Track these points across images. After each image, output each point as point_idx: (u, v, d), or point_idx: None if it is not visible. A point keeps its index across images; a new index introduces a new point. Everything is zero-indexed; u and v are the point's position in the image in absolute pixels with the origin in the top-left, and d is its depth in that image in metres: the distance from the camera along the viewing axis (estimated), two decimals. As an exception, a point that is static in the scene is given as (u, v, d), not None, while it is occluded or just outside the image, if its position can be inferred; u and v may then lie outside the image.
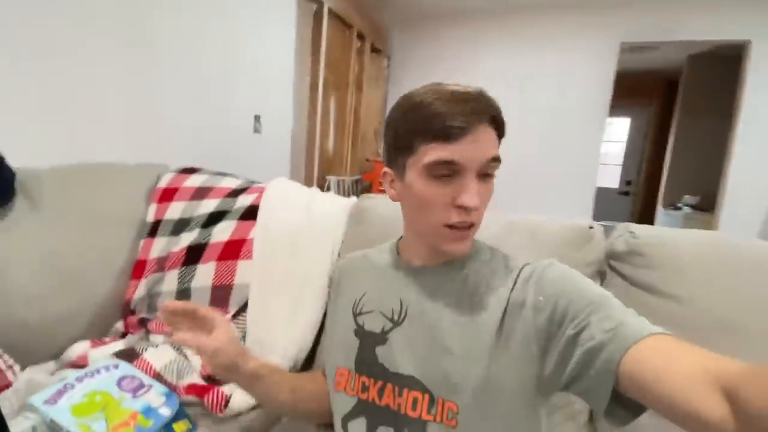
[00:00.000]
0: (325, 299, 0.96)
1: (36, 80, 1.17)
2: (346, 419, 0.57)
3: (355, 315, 0.61)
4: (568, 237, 0.84)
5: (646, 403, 0.40)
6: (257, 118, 2.08)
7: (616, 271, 0.81)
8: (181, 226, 1.11)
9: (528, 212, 0.94)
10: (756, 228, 2.88)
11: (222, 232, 1.04)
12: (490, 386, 0.49)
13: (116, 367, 0.79)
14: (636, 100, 5.21)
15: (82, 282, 1.02)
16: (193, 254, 1.03)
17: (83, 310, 1.01)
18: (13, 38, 1.11)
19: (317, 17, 2.54)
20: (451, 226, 0.51)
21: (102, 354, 0.90)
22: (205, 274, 0.99)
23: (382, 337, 0.56)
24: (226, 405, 0.80)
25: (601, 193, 3.62)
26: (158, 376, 0.83)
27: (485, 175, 0.52)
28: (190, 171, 1.25)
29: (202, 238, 1.04)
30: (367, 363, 0.57)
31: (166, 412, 0.74)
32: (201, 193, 1.16)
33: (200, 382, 0.85)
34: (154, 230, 1.13)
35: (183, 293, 0.99)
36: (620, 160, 5.81)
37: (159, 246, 1.10)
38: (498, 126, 0.52)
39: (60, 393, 0.69)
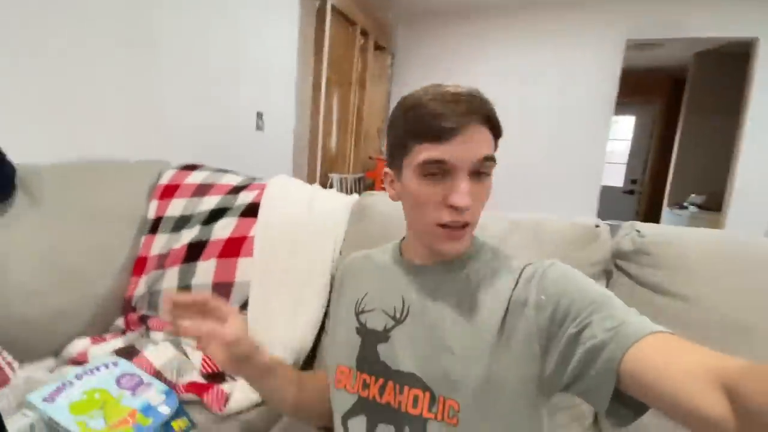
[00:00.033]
0: (326, 297, 0.95)
1: (37, 77, 1.17)
2: (346, 417, 0.57)
3: (358, 314, 0.61)
4: (573, 236, 0.82)
5: (647, 401, 0.40)
6: (259, 116, 2.08)
7: (623, 270, 0.80)
8: (182, 223, 1.10)
9: (531, 211, 0.92)
10: (763, 227, 2.84)
11: (223, 230, 1.03)
12: (491, 385, 0.49)
13: (116, 364, 0.78)
14: (641, 98, 5.17)
15: (82, 278, 1.02)
16: (194, 251, 1.02)
17: (84, 306, 1.01)
18: (13, 36, 1.10)
19: (320, 14, 2.53)
20: (444, 226, 0.52)
21: (102, 351, 0.90)
22: (205, 271, 0.99)
23: (384, 335, 0.56)
24: (225, 403, 0.80)
25: (606, 192, 3.60)
26: (158, 374, 0.82)
27: (479, 174, 0.52)
28: (192, 168, 1.24)
29: (202, 235, 1.04)
30: (369, 361, 0.57)
31: (165, 410, 0.73)
32: (202, 190, 1.15)
33: (200, 380, 0.85)
34: (155, 227, 1.12)
35: (183, 290, 0.98)
36: (625, 158, 5.76)
37: (160, 243, 1.10)
38: (493, 126, 0.52)
39: (58, 390, 0.68)
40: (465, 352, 0.51)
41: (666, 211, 4.16)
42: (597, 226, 0.83)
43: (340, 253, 1.01)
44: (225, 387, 0.83)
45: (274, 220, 1.03)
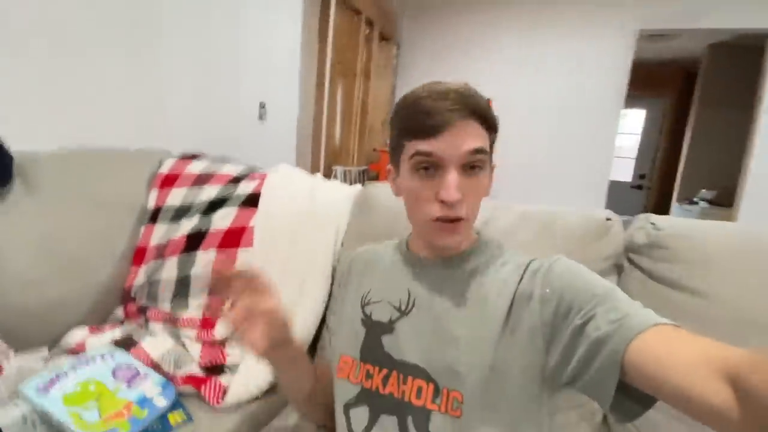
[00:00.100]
0: (327, 290, 0.93)
1: (37, 64, 1.15)
2: (348, 406, 0.57)
3: (363, 305, 0.61)
4: (583, 229, 0.79)
5: (651, 392, 0.40)
6: (262, 106, 2.05)
7: (635, 264, 0.77)
8: (181, 212, 1.08)
9: (539, 204, 0.89)
10: (776, 224, 2.79)
11: (222, 220, 1.01)
12: (495, 377, 0.49)
13: (112, 355, 0.77)
14: (652, 91, 5.07)
15: (81, 268, 1.01)
16: (193, 241, 1.00)
17: (82, 296, 1.00)
18: (13, 21, 1.08)
19: (324, 2, 2.48)
20: (437, 220, 0.52)
21: (100, 341, 0.88)
22: (205, 261, 0.97)
23: (389, 326, 0.57)
24: (223, 396, 0.78)
25: (614, 187, 3.54)
26: (155, 366, 0.81)
27: (472, 168, 0.52)
28: (192, 157, 1.22)
29: (202, 225, 1.02)
30: (373, 351, 0.57)
31: (161, 402, 0.72)
32: (202, 179, 1.13)
33: (198, 372, 0.83)
34: (154, 216, 1.11)
35: (182, 281, 0.96)
36: (634, 153, 5.68)
37: (159, 233, 1.08)
38: (484, 119, 0.52)
39: (52, 381, 0.67)
40: (470, 344, 0.51)
41: (675, 206, 4.10)
42: (609, 219, 0.80)
43: (342, 244, 0.98)
44: (223, 380, 0.81)
45: (275, 211, 1.00)
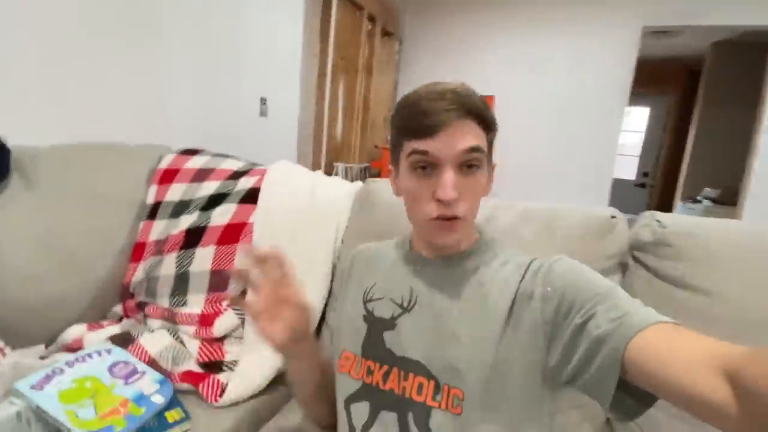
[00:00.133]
0: (327, 287, 0.92)
1: (37, 58, 1.14)
2: (349, 401, 0.58)
3: (365, 302, 0.61)
4: (587, 227, 0.78)
5: (652, 389, 0.40)
6: (263, 101, 2.03)
7: (640, 262, 0.75)
8: (180, 208, 1.07)
9: (541, 202, 0.88)
10: (780, 223, 2.76)
11: (221, 216, 1.00)
12: (497, 374, 0.50)
13: (109, 352, 0.76)
14: (655, 89, 5.04)
15: (79, 264, 1.00)
16: (192, 237, 0.99)
17: (81, 292, 0.99)
18: (13, 15, 1.07)
19: (326, -3, 2.47)
20: (435, 219, 0.53)
21: (98, 338, 0.87)
22: (203, 257, 0.96)
23: (391, 323, 0.57)
24: (221, 394, 0.77)
25: (617, 185, 3.52)
26: (153, 362, 0.80)
27: (469, 167, 0.52)
28: (192, 152, 1.21)
29: (201, 221, 1.01)
30: (374, 348, 0.57)
31: (158, 399, 0.71)
32: (202, 174, 1.12)
33: (196, 369, 0.82)
34: (153, 212, 1.10)
35: (181, 277, 0.95)
36: (637, 151, 5.65)
37: (158, 228, 1.07)
38: (481, 118, 0.52)
39: (48, 378, 0.66)
40: (471, 341, 0.51)
41: (679, 205, 4.08)
42: (613, 217, 0.79)
43: (342, 242, 0.97)
44: (221, 377, 0.80)
45: (275, 207, 0.99)
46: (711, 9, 2.89)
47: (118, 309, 1.04)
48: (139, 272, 1.03)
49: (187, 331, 0.89)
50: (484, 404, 0.49)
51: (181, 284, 0.95)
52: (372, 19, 3.10)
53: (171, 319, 0.92)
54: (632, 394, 0.43)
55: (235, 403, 0.79)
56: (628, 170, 5.61)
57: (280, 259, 0.53)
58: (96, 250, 1.03)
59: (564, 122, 3.30)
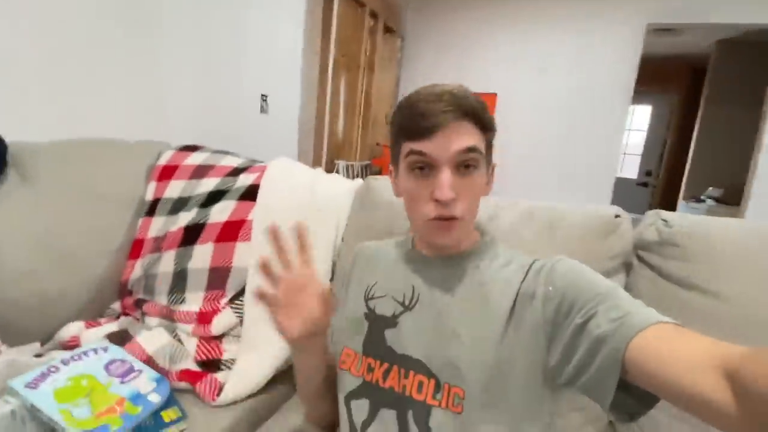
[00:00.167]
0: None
1: (36, 53, 1.13)
2: (349, 397, 0.58)
3: (367, 300, 0.61)
4: (591, 227, 0.77)
5: (652, 389, 0.40)
6: (264, 98, 2.02)
7: (645, 261, 0.74)
8: (179, 205, 1.06)
9: (545, 201, 0.86)
10: (784, 223, 2.74)
11: (220, 213, 0.99)
12: (497, 373, 0.50)
13: (105, 350, 0.75)
14: (659, 87, 5.01)
15: (77, 260, 0.99)
16: (191, 234, 0.98)
17: (78, 289, 0.98)
18: (12, 10, 1.06)
19: (328, -7, 2.45)
20: (434, 219, 0.53)
21: (95, 335, 0.87)
22: (202, 255, 0.95)
23: (392, 321, 0.57)
24: (218, 393, 0.76)
25: (619, 184, 3.50)
26: (150, 360, 0.79)
27: (466, 167, 0.53)
28: (191, 149, 1.20)
29: (199, 218, 1.00)
30: (375, 345, 0.57)
31: (155, 398, 0.70)
32: (201, 171, 1.11)
33: (194, 368, 0.81)
34: (152, 209, 1.09)
35: (179, 275, 0.94)
36: (640, 149, 5.62)
37: (157, 225, 1.06)
38: (477, 119, 0.53)
39: (43, 376, 0.65)
40: (473, 340, 0.52)
41: (681, 204, 4.05)
42: (617, 216, 0.77)
43: (342, 239, 0.96)
44: (219, 376, 0.80)
45: (274, 204, 0.98)
46: (716, 6, 2.86)
47: (116, 306, 1.03)
48: (138, 269, 1.02)
49: (185, 329, 0.88)
50: (484, 403, 0.49)
51: (179, 282, 0.94)
52: (374, 15, 3.07)
53: (169, 316, 0.91)
54: (633, 394, 0.43)
55: (233, 402, 0.78)
56: (631, 169, 5.59)
57: (302, 231, 0.55)
58: (94, 247, 1.02)
59: (567, 120, 3.28)
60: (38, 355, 0.78)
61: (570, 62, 3.22)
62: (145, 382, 0.72)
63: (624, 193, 4.54)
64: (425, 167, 0.53)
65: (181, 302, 0.92)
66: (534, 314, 0.50)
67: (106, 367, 0.72)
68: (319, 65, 2.46)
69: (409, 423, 0.52)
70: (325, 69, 2.55)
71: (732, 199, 3.47)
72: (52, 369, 0.67)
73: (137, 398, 0.68)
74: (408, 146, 0.53)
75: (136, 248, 1.06)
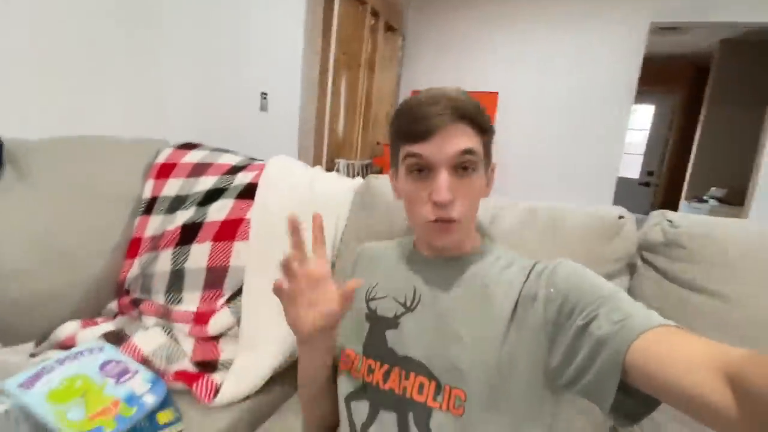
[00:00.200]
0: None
1: (35, 52, 1.12)
2: (349, 398, 0.58)
3: (368, 300, 0.61)
4: (594, 228, 0.75)
5: (652, 392, 0.40)
6: (264, 96, 2.01)
7: (649, 263, 0.73)
8: (177, 203, 1.05)
9: (546, 202, 0.85)
10: (787, 223, 2.72)
11: (218, 211, 0.98)
12: (499, 377, 0.50)
13: (101, 350, 0.74)
14: (661, 87, 4.98)
15: (74, 259, 0.98)
16: (188, 233, 0.97)
17: (75, 288, 0.97)
18: (11, 10, 1.05)
19: (329, -9, 2.43)
20: (433, 222, 0.54)
21: (91, 335, 0.85)
22: (199, 254, 0.94)
23: (393, 322, 0.57)
24: (215, 394, 0.75)
25: (621, 184, 3.48)
26: (146, 361, 0.78)
27: (464, 169, 0.53)
28: (190, 146, 1.19)
29: (197, 216, 0.99)
30: (376, 347, 0.57)
31: (150, 399, 0.69)
32: (199, 169, 1.10)
33: (190, 368, 0.80)
34: (150, 207, 1.08)
35: (176, 274, 0.93)
36: (642, 149, 5.60)
37: (154, 224, 1.05)
38: (475, 122, 0.53)
39: (37, 376, 0.64)
40: (474, 342, 0.51)
41: (684, 204, 4.03)
42: (621, 217, 0.76)
43: (341, 239, 0.95)
44: (216, 377, 0.78)
45: (273, 203, 0.97)
46: (720, 5, 2.84)
47: (113, 306, 1.02)
48: (135, 268, 1.01)
49: (182, 329, 0.87)
50: (486, 405, 0.49)
51: (176, 281, 0.93)
52: (375, 14, 3.06)
53: (166, 316, 0.90)
54: (634, 397, 0.42)
55: (231, 404, 0.77)
56: (632, 169, 5.56)
57: (318, 225, 0.56)
58: (91, 246, 1.01)
59: (568, 119, 3.26)
60: (33, 355, 0.77)
61: (572, 61, 3.20)
62: (140, 383, 0.71)
63: (625, 193, 4.52)
64: (423, 169, 0.53)
65: (178, 302, 0.91)
66: (535, 316, 0.50)
67: (101, 367, 0.70)
68: (320, 64, 2.45)
69: (409, 425, 0.52)
70: (326, 67, 2.54)
71: (735, 199, 3.46)
72: (46, 369, 0.66)
73: (132, 400, 0.67)
74: (406, 149, 0.54)
75: (133, 247, 1.05)
